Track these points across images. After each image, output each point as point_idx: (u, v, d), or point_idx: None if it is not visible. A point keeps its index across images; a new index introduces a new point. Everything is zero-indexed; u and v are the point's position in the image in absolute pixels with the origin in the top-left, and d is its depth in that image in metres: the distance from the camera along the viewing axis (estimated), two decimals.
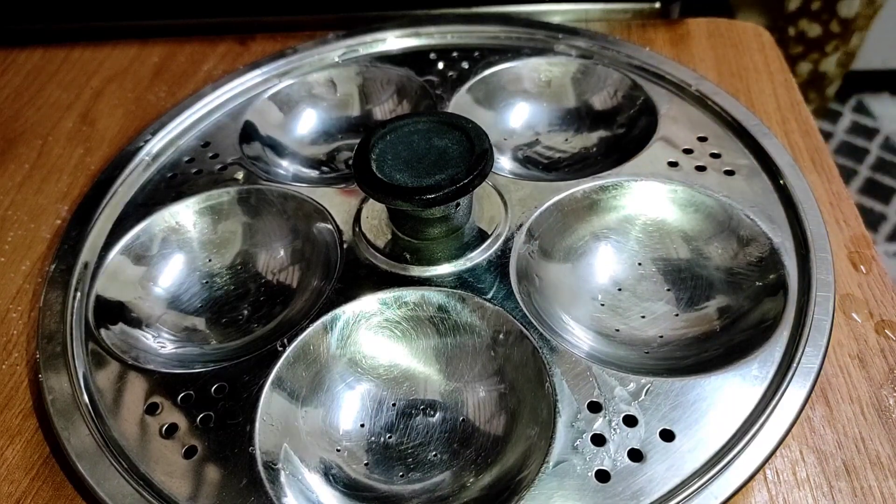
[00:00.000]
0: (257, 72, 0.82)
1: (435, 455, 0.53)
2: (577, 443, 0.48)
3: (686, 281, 0.62)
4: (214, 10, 0.97)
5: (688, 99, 0.74)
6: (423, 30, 0.85)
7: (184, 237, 0.68)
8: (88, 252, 0.65)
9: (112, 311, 0.62)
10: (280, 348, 0.55)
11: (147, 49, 0.98)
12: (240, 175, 0.70)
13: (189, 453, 0.51)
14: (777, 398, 0.49)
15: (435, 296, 0.59)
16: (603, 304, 0.61)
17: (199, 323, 0.63)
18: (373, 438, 0.54)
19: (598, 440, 0.49)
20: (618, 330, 0.59)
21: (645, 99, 0.74)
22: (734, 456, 0.47)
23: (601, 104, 0.78)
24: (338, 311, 0.58)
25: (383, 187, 0.56)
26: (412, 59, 0.82)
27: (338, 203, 0.67)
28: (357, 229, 0.64)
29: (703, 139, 0.69)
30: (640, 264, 0.64)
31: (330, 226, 0.65)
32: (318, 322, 0.57)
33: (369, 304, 0.58)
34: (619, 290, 0.62)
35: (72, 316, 0.60)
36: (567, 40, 0.82)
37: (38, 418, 0.58)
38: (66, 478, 0.54)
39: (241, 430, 0.51)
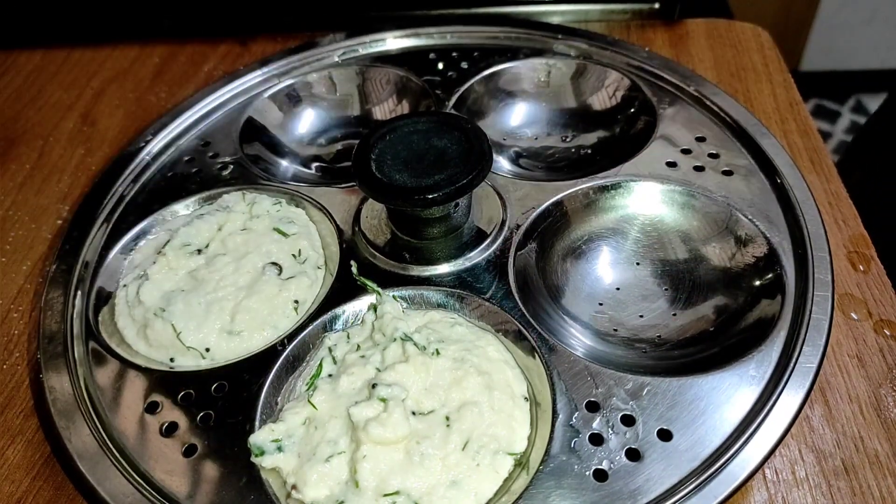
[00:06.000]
0: (257, 72, 0.82)
1: None
2: (575, 442, 0.49)
3: (684, 281, 0.62)
4: (215, 10, 0.97)
5: (687, 99, 0.74)
6: (423, 30, 0.86)
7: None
8: (89, 252, 0.65)
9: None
10: (280, 348, 0.56)
11: (148, 50, 0.98)
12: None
13: (189, 451, 0.51)
14: (774, 398, 0.49)
15: (434, 295, 0.59)
16: (601, 304, 0.62)
17: None
18: None
19: (596, 439, 0.49)
20: (616, 329, 0.60)
21: (644, 99, 0.74)
22: (731, 455, 0.47)
23: (600, 104, 0.78)
24: (337, 310, 0.58)
25: (383, 187, 0.57)
26: (412, 60, 0.83)
27: (337, 202, 0.67)
28: (356, 228, 0.64)
29: (701, 139, 0.70)
30: (638, 264, 0.64)
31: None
32: (318, 321, 0.57)
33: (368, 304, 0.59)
34: (618, 289, 0.63)
35: (72, 315, 0.60)
36: (566, 40, 0.82)
37: (39, 418, 0.59)
38: (67, 477, 0.55)
39: (241, 429, 0.51)
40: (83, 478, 0.50)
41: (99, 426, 0.53)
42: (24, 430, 0.58)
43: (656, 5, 0.93)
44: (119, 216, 0.69)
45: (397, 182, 0.56)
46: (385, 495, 0.46)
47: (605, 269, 0.64)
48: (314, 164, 0.78)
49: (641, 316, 0.60)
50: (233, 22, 0.98)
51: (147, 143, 0.75)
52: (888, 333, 0.59)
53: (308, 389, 0.53)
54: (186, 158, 0.74)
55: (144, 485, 0.49)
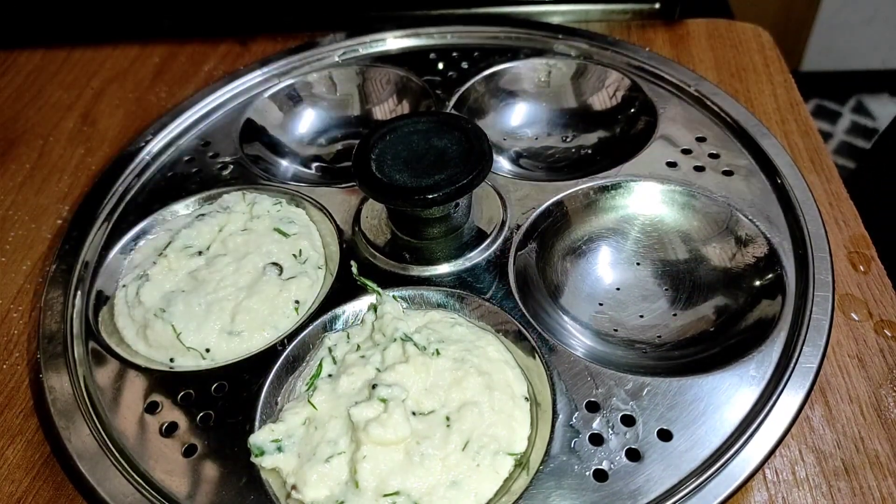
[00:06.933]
0: (257, 72, 0.82)
1: None
2: (575, 442, 0.49)
3: (684, 281, 0.62)
4: (215, 10, 0.97)
5: (687, 99, 0.74)
6: (423, 30, 0.85)
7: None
8: (89, 251, 0.65)
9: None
10: (280, 348, 0.56)
11: (148, 50, 0.98)
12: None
13: (189, 452, 0.51)
14: (774, 398, 0.49)
15: (434, 295, 0.59)
16: (601, 304, 0.62)
17: None
18: None
19: (596, 440, 0.49)
20: (616, 330, 0.60)
21: (644, 99, 0.74)
22: (731, 455, 0.47)
23: (600, 104, 0.78)
24: (337, 310, 0.58)
25: (383, 187, 0.57)
26: (412, 60, 0.82)
27: (337, 202, 0.67)
28: (357, 228, 0.64)
29: (701, 139, 0.70)
30: (638, 264, 0.64)
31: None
32: (318, 321, 0.57)
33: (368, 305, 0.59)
34: (618, 289, 0.63)
35: (72, 315, 0.60)
36: (566, 41, 0.82)
37: (38, 418, 0.59)
38: (67, 477, 0.55)
39: (241, 429, 0.51)
40: (83, 478, 0.50)
41: (99, 426, 0.53)
42: (23, 430, 0.58)
43: (657, 5, 0.93)
44: (119, 216, 0.69)
45: (397, 182, 0.56)
46: (385, 496, 0.46)
47: (605, 269, 0.64)
48: (314, 164, 0.78)
49: (642, 316, 0.60)
50: (233, 22, 0.98)
51: (147, 142, 0.75)
52: (888, 334, 0.59)
53: (308, 389, 0.53)
54: (186, 158, 0.74)
55: (144, 485, 0.49)
